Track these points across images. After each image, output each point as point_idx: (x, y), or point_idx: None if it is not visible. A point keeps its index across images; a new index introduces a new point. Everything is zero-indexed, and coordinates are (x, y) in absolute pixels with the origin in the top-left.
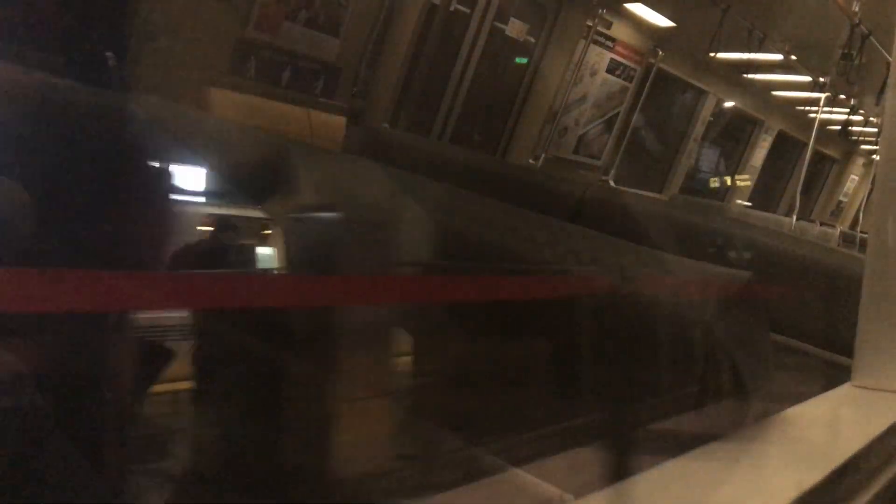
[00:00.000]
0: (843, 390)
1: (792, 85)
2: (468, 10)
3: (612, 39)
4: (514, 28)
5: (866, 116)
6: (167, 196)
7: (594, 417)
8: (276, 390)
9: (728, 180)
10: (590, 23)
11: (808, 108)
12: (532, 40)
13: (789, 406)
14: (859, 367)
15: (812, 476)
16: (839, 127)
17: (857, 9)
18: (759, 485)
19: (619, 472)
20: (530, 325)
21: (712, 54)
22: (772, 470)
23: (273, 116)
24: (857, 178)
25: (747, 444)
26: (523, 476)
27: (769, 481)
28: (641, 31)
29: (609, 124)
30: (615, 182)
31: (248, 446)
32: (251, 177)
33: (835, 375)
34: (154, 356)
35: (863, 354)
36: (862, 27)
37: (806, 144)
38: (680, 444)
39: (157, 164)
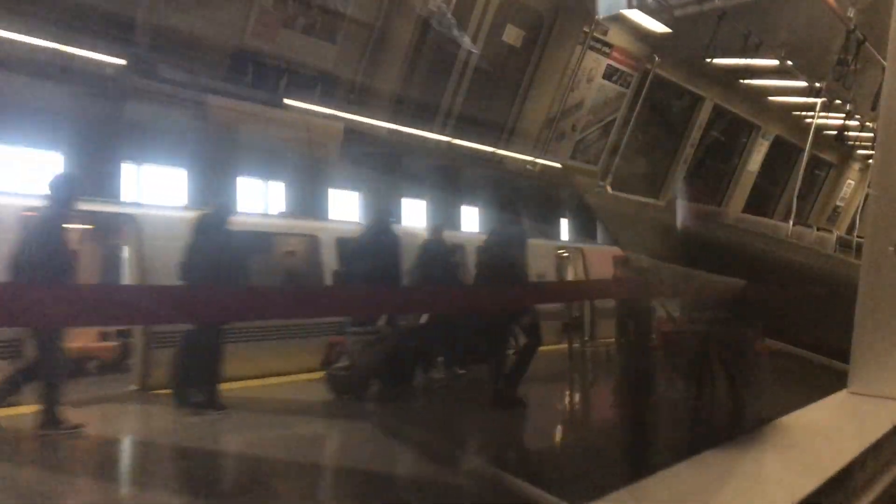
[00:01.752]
0: (840, 397)
1: (788, 90)
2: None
3: (609, 45)
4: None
5: (862, 121)
6: None
7: None
8: None
9: None
10: (586, 29)
11: (804, 113)
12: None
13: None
14: (855, 374)
15: (808, 484)
16: (835, 132)
17: (852, 15)
18: (755, 492)
19: None
20: None
21: (708, 60)
22: (768, 477)
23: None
24: (853, 182)
25: (743, 452)
26: (523, 485)
27: (765, 489)
28: (638, 37)
29: (606, 130)
30: (612, 188)
31: None
32: None
33: None
34: None
35: (858, 361)
36: (857, 33)
37: (802, 149)
38: None
39: None
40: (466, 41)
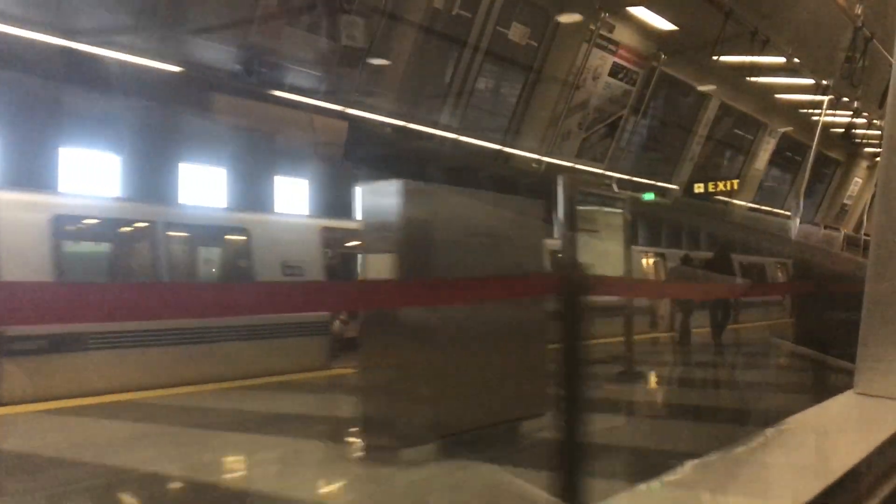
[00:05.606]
0: (846, 398)
1: (795, 88)
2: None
3: (615, 43)
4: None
5: (869, 119)
6: None
7: None
8: None
9: None
10: (592, 26)
11: (811, 111)
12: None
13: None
14: (862, 375)
15: (814, 486)
16: (842, 130)
17: (859, 12)
18: (760, 494)
19: None
20: None
21: (715, 57)
22: (773, 479)
23: None
24: (860, 180)
25: (748, 453)
26: (518, 483)
27: (770, 491)
28: (644, 35)
29: (612, 128)
30: (617, 187)
31: None
32: None
33: None
34: None
35: (865, 361)
36: (865, 30)
37: (809, 147)
38: None
39: None
40: None
